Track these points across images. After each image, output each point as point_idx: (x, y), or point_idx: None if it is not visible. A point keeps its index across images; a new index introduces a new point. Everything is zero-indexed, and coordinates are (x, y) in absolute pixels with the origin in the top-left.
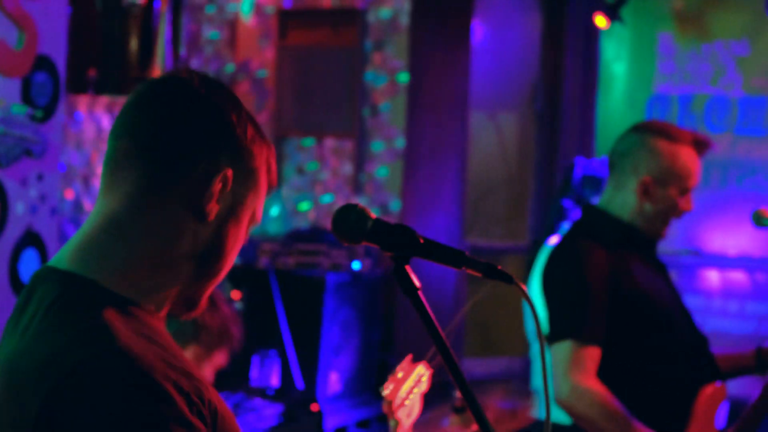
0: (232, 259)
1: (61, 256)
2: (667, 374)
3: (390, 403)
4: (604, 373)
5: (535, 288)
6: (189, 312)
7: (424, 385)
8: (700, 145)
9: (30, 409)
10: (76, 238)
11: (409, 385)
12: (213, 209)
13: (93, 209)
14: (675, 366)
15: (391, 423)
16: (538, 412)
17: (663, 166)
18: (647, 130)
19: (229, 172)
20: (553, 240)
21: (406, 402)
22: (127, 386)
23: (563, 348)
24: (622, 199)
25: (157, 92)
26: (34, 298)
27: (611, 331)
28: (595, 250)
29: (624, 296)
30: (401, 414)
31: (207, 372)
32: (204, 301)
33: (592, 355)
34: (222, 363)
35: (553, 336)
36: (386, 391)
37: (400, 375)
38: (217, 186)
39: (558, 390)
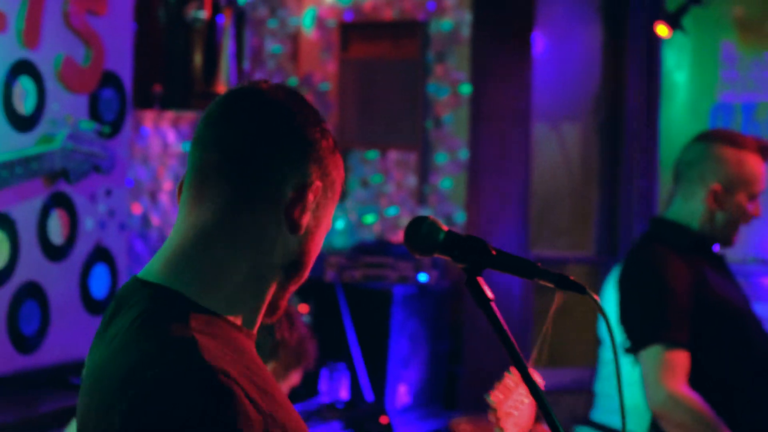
0: (311, 267)
1: (150, 269)
2: (747, 383)
3: (495, 412)
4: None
5: (609, 298)
6: (269, 317)
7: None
8: (765, 151)
9: (113, 420)
10: (165, 250)
11: (520, 395)
12: (305, 221)
13: (179, 221)
14: (754, 376)
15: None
16: (596, 414)
17: (730, 172)
18: (712, 139)
19: (319, 184)
20: None
21: (515, 412)
22: (207, 402)
23: (653, 353)
24: (691, 209)
25: (243, 106)
26: (123, 309)
27: (693, 337)
28: (673, 256)
29: (704, 303)
30: (508, 424)
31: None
32: (284, 305)
33: (682, 359)
34: (297, 382)
35: (641, 342)
36: (493, 399)
37: (510, 383)
38: (310, 197)
39: (653, 398)
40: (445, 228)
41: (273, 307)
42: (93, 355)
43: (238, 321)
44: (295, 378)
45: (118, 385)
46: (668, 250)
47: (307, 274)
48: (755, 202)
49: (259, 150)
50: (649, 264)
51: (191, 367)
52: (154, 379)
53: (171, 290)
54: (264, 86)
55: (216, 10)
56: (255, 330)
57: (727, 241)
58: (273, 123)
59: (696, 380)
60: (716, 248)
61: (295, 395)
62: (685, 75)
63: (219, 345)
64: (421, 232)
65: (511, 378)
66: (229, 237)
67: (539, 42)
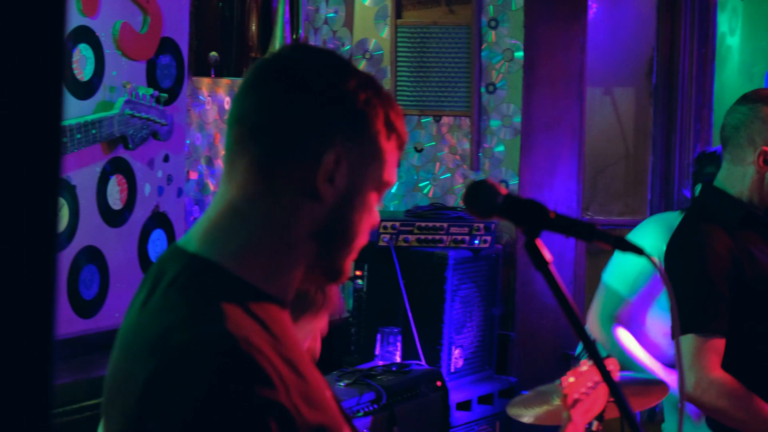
0: (363, 230)
1: (188, 238)
2: None
3: (566, 396)
4: (728, 360)
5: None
6: (331, 282)
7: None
8: None
9: (137, 383)
10: (202, 221)
11: (592, 381)
12: (327, 188)
13: (216, 193)
14: None
15: (564, 415)
16: None
17: None
18: (758, 100)
19: (341, 148)
20: None
21: (584, 396)
22: (228, 369)
23: (687, 342)
24: (740, 173)
25: (262, 74)
26: (161, 275)
27: (735, 317)
28: (716, 236)
29: (747, 281)
30: (576, 410)
31: (312, 335)
32: (347, 270)
33: (716, 346)
34: (323, 328)
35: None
36: (565, 383)
37: (584, 368)
38: (329, 164)
39: (686, 384)
40: (504, 191)
41: (331, 272)
42: (126, 320)
43: (272, 291)
44: (321, 322)
45: (145, 351)
46: (714, 229)
47: (355, 238)
48: None
49: (273, 117)
50: (692, 249)
51: (213, 334)
52: (177, 347)
53: (205, 259)
54: (288, 51)
55: None
56: (289, 297)
57: None
58: (287, 87)
59: (736, 361)
60: None
61: (352, 359)
62: (738, 39)
63: (245, 314)
64: (481, 195)
65: (586, 363)
66: (253, 211)
67: (593, 6)
